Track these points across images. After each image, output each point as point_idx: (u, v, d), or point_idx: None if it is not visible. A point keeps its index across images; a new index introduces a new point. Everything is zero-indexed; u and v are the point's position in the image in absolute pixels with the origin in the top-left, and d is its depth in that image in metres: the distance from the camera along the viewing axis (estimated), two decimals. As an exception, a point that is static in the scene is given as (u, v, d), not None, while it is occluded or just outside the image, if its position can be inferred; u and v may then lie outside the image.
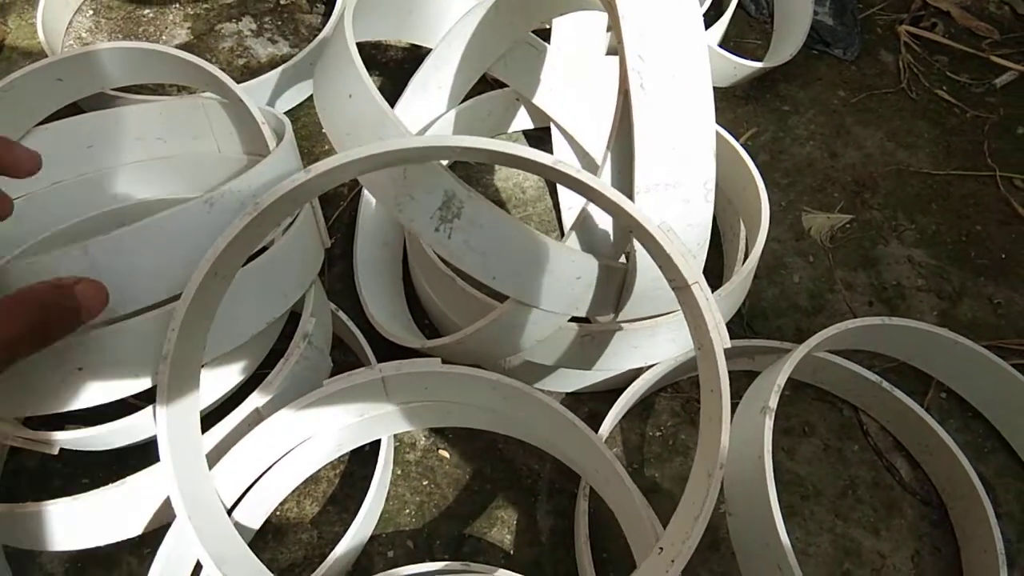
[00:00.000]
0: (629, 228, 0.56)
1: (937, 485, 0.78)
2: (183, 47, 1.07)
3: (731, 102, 1.10)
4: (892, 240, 0.98)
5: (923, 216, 1.00)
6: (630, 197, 0.58)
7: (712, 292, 0.58)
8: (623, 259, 0.66)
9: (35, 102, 0.72)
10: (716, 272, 0.90)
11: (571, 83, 0.95)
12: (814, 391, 0.84)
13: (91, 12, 1.11)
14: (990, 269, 0.96)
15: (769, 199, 0.79)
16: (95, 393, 0.55)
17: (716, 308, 0.50)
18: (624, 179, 0.61)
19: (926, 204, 1.02)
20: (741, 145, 0.84)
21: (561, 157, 0.97)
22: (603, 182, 0.50)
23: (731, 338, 0.52)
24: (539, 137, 1.02)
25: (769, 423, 0.65)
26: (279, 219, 0.54)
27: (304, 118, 1.01)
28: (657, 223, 0.50)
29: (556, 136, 0.98)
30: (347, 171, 0.48)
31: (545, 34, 0.92)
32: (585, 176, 0.50)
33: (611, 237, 0.65)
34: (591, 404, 0.80)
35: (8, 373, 0.50)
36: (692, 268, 0.51)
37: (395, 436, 0.77)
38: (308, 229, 0.65)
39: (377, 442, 0.73)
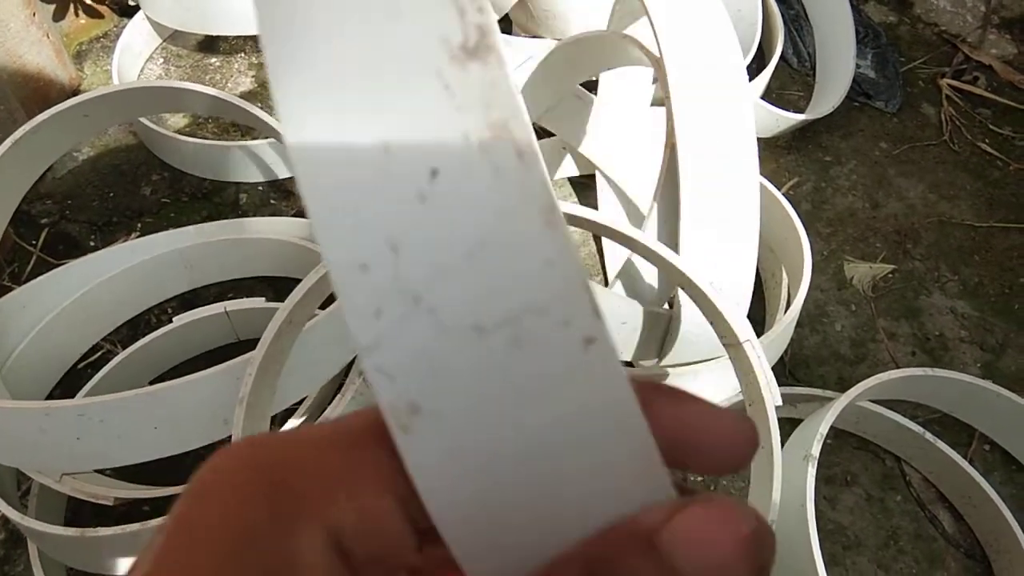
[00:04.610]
0: (680, 284, 0.59)
1: (981, 538, 0.78)
2: (246, 95, 1.13)
3: (773, 152, 1.12)
4: (935, 291, 0.98)
5: (966, 268, 1.01)
6: (675, 246, 0.61)
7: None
8: (666, 305, 0.68)
9: (63, 137, 0.82)
10: (758, 319, 0.91)
11: (616, 133, 0.98)
12: (856, 440, 0.84)
13: (161, 60, 1.18)
14: (1035, 322, 0.96)
15: (811, 248, 0.81)
16: (171, 445, 0.59)
17: (767, 366, 0.52)
18: (670, 229, 0.63)
19: (969, 256, 1.02)
20: (783, 195, 0.86)
21: (606, 203, 1.00)
22: (654, 240, 0.53)
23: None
24: (584, 183, 1.05)
25: (812, 471, 0.66)
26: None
27: (359, 163, 1.06)
28: (708, 281, 0.53)
29: (601, 183, 1.01)
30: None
31: (592, 85, 0.96)
32: (636, 233, 0.52)
33: (655, 285, 0.67)
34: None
35: (90, 427, 0.54)
36: (744, 326, 0.53)
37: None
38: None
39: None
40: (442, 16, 0.12)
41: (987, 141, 1.16)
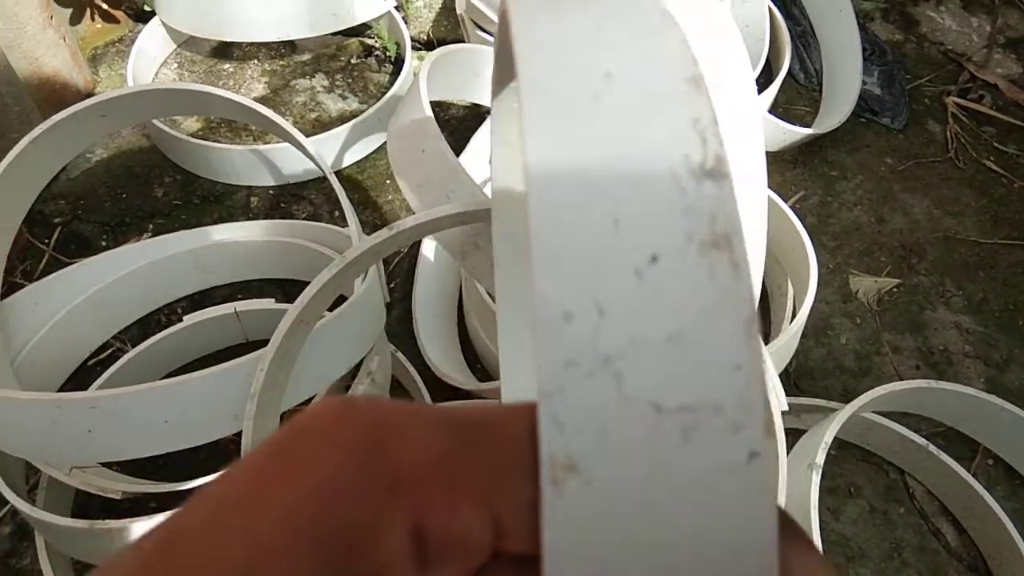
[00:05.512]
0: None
1: (984, 551, 0.78)
2: (259, 100, 1.14)
3: (780, 165, 1.13)
4: (939, 306, 0.99)
5: (971, 283, 1.02)
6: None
7: (763, 348, 0.60)
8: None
9: (79, 137, 0.82)
10: (764, 331, 0.92)
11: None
12: (860, 452, 0.84)
13: (176, 65, 1.19)
14: (1039, 338, 0.96)
15: (817, 261, 0.81)
16: (181, 439, 0.59)
17: (773, 370, 0.53)
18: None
19: (973, 272, 1.03)
20: (789, 208, 0.86)
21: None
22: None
23: (781, 392, 0.54)
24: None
25: (816, 479, 0.66)
26: (360, 271, 0.58)
27: (370, 169, 1.07)
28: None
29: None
30: (426, 228, 0.52)
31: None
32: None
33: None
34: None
35: (102, 419, 0.54)
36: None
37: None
38: (377, 284, 0.70)
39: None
40: (688, 138, 0.14)
41: (992, 159, 1.17)
